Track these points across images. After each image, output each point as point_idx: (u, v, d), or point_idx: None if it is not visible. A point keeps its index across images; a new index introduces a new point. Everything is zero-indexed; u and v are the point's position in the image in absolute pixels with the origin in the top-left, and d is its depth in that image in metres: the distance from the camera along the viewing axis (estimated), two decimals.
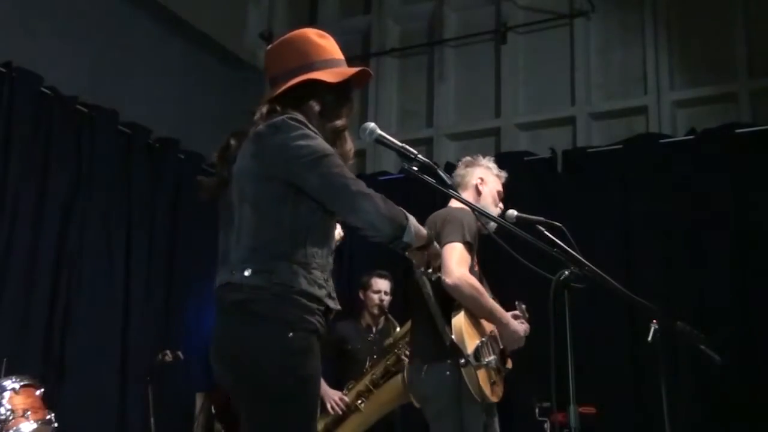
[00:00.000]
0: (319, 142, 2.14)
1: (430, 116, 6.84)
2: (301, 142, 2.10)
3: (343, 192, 2.09)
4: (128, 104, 5.74)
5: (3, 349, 4.28)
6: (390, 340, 4.18)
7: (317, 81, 2.24)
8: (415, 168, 2.27)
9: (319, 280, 2.14)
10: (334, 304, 2.21)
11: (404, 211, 2.15)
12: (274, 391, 2.04)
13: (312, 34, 2.36)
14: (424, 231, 2.21)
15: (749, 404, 4.91)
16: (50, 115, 5.15)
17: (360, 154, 6.94)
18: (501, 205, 3.46)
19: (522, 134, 6.47)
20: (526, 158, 6.04)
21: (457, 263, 3.11)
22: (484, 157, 3.57)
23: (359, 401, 4.17)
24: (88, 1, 5.69)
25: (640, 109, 6.05)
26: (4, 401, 3.78)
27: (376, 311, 4.49)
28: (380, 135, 2.31)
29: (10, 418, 3.73)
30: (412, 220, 2.16)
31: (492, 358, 3.12)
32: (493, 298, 3.42)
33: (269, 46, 2.44)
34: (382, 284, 4.51)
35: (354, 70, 2.32)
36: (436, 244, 2.27)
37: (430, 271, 2.32)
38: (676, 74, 6.02)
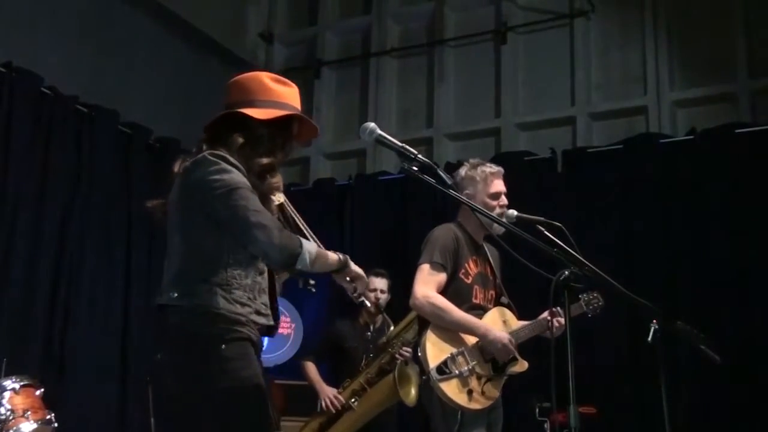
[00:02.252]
0: (232, 176, 2.27)
1: (430, 116, 6.84)
2: (216, 177, 2.26)
3: (242, 223, 2.23)
4: (128, 104, 5.75)
5: (3, 349, 4.28)
6: (384, 339, 4.18)
7: (246, 117, 2.36)
8: (415, 168, 2.28)
9: (241, 299, 2.28)
10: (265, 320, 2.35)
11: (301, 240, 2.28)
12: (219, 396, 2.19)
13: (266, 77, 2.48)
14: (332, 257, 2.36)
15: (749, 404, 4.91)
16: (50, 115, 5.15)
17: (360, 154, 6.95)
18: (502, 201, 3.46)
19: (522, 134, 6.47)
20: (526, 158, 6.03)
21: (420, 284, 3.29)
22: (472, 162, 3.55)
23: (353, 400, 4.17)
24: (88, 1, 5.69)
25: (640, 109, 6.05)
26: (4, 401, 3.77)
27: (372, 309, 4.49)
28: (380, 135, 2.32)
29: (10, 418, 3.73)
30: (310, 248, 2.28)
31: (465, 368, 3.21)
32: (507, 304, 3.48)
33: (230, 81, 2.53)
34: (377, 282, 4.51)
35: (282, 112, 2.41)
36: (352, 265, 2.40)
37: (355, 294, 2.45)
38: (676, 74, 6.02)
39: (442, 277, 3.32)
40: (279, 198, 2.44)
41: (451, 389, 3.17)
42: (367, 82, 7.07)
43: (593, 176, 5.74)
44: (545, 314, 3.35)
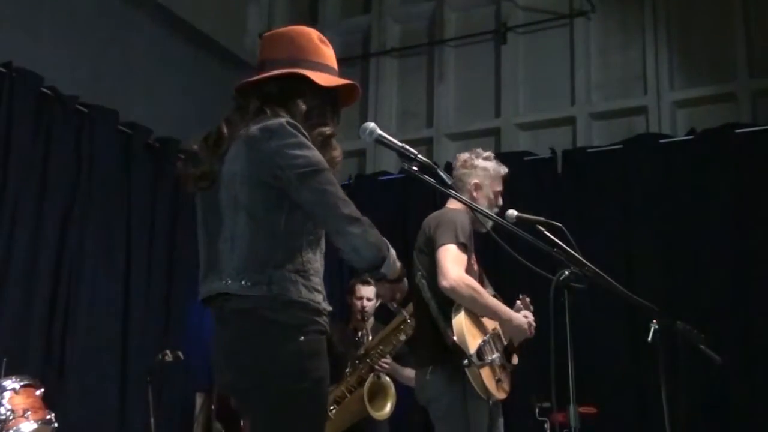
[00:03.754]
0: (314, 153, 2.08)
1: (430, 116, 6.84)
2: (297, 152, 2.05)
3: (333, 212, 2.05)
4: (128, 104, 5.74)
5: (3, 349, 4.28)
6: (362, 351, 4.17)
7: (306, 81, 2.18)
8: (415, 168, 2.27)
9: (317, 286, 2.13)
10: (328, 306, 2.20)
11: (387, 242, 2.13)
12: (290, 395, 2.03)
13: (314, 35, 2.30)
14: (399, 265, 2.18)
15: (749, 404, 4.91)
16: (50, 115, 5.14)
17: (360, 154, 6.95)
18: (500, 202, 3.46)
19: (522, 134, 6.47)
20: (526, 158, 6.04)
21: (452, 265, 3.12)
22: (482, 153, 3.52)
23: (332, 407, 4.16)
24: (88, 1, 5.69)
25: (640, 109, 6.05)
26: (4, 401, 3.77)
27: (359, 317, 4.50)
28: (380, 135, 2.31)
29: (10, 418, 3.73)
30: (393, 252, 2.14)
31: (496, 355, 3.14)
32: (494, 296, 3.43)
33: (268, 33, 2.38)
34: (364, 290, 4.51)
35: (345, 81, 2.26)
36: (405, 280, 2.24)
37: (395, 305, 2.33)
38: (676, 74, 6.02)
39: (466, 258, 3.21)
40: None
41: (487, 376, 3.08)
42: (367, 82, 7.07)
43: (593, 176, 5.75)
44: (518, 304, 3.37)
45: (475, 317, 3.18)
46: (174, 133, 6.02)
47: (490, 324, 3.25)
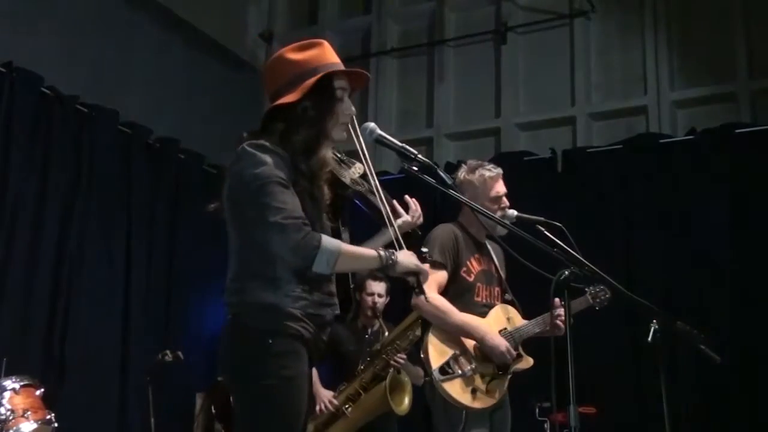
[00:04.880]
0: (265, 169, 2.19)
1: (430, 116, 6.84)
2: (251, 171, 2.21)
3: (263, 223, 2.18)
4: (128, 104, 5.75)
5: (3, 349, 4.28)
6: (377, 346, 4.16)
7: (278, 106, 2.29)
8: (415, 168, 2.28)
9: (293, 293, 2.23)
10: (328, 311, 2.31)
11: (322, 241, 2.16)
12: (258, 391, 2.20)
13: (288, 51, 2.35)
14: (369, 257, 2.26)
15: (749, 404, 4.91)
16: (50, 115, 5.15)
17: None
18: (503, 203, 3.44)
19: (522, 134, 6.47)
20: (526, 158, 6.04)
21: None
22: (468, 166, 3.51)
23: (347, 406, 4.15)
24: (88, 1, 5.69)
25: (640, 109, 6.05)
26: (4, 401, 3.78)
27: (369, 313, 4.48)
28: (380, 135, 2.32)
29: (10, 418, 3.73)
30: (332, 248, 2.17)
31: (468, 368, 3.22)
32: (511, 301, 3.49)
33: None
34: (375, 287, 4.49)
35: (311, 81, 2.27)
36: (401, 263, 2.28)
37: (414, 287, 2.35)
38: (676, 74, 6.02)
39: (442, 275, 3.32)
40: (357, 170, 2.36)
41: (455, 389, 3.18)
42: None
43: (593, 176, 5.74)
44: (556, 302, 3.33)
45: (452, 333, 3.28)
46: (174, 133, 6.02)
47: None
